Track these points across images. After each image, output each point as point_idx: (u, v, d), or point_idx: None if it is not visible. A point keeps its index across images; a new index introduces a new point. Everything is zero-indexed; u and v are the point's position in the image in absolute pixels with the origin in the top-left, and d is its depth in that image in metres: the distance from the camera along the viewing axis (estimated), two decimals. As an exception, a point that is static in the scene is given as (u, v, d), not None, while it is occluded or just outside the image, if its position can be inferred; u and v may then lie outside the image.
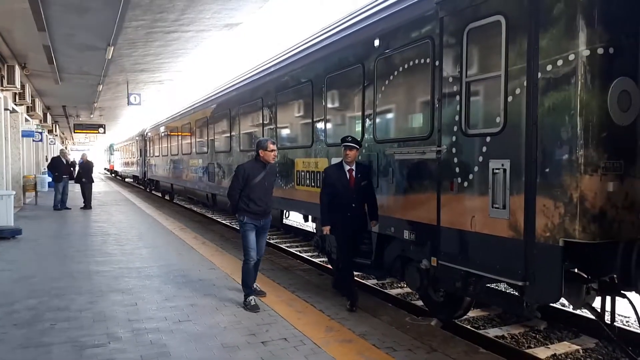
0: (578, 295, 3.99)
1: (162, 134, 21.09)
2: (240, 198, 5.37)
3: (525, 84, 3.94)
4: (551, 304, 5.61)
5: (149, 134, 25.05)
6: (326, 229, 5.47)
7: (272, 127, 9.13)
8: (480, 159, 4.30)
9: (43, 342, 4.24)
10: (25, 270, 6.94)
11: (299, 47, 8.48)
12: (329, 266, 8.05)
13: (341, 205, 5.34)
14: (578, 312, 5.74)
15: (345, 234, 5.45)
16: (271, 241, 11.34)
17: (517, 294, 4.38)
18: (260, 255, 5.57)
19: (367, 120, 6.10)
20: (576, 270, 4.03)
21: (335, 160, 6.79)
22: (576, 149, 3.57)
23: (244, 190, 5.35)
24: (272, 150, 5.41)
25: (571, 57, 3.62)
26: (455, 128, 4.60)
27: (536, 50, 3.85)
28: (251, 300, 5.30)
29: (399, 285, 7.61)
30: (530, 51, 3.90)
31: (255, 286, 5.59)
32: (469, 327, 5.69)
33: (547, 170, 3.76)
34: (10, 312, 5.06)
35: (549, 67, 3.76)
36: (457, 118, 4.58)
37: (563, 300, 5.08)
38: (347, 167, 5.38)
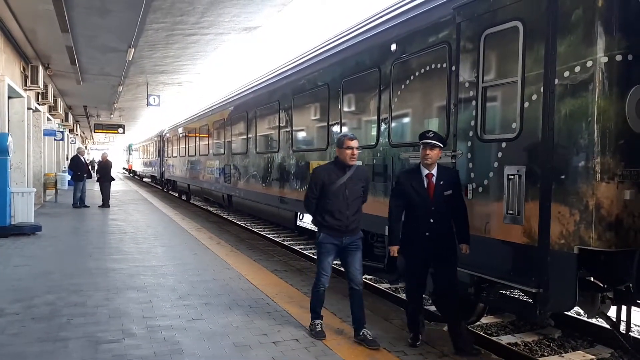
0: (593, 303, 3.96)
1: (180, 135, 21.34)
2: (317, 209, 4.41)
3: (542, 90, 3.93)
4: (565, 312, 5.55)
5: (167, 134, 25.37)
6: (394, 250, 4.28)
7: (288, 129, 9.20)
8: (496, 164, 4.29)
9: (60, 336, 4.33)
10: (44, 266, 7.09)
11: (315, 50, 8.54)
12: (342, 269, 8.05)
13: (416, 221, 4.16)
14: (593, 321, 5.67)
15: (418, 259, 4.23)
16: (285, 243, 11.40)
17: (530, 301, 4.35)
18: (356, 282, 4.38)
19: (383, 124, 6.12)
20: (591, 278, 4.00)
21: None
22: (593, 156, 3.55)
23: (321, 200, 4.35)
24: (349, 148, 4.23)
25: (589, 63, 3.60)
26: (470, 133, 4.60)
27: (553, 56, 3.84)
28: (317, 325, 4.50)
29: (412, 290, 7.57)
30: (547, 57, 3.89)
31: (365, 333, 4.32)
32: (481, 333, 5.66)
33: (563, 177, 3.74)
34: (29, 306, 5.17)
35: (567, 74, 3.75)
36: (472, 123, 4.57)
37: (578, 308, 5.04)
38: (425, 172, 4.16)
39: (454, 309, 4.31)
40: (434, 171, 4.18)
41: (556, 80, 3.82)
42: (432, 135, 4.13)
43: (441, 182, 4.14)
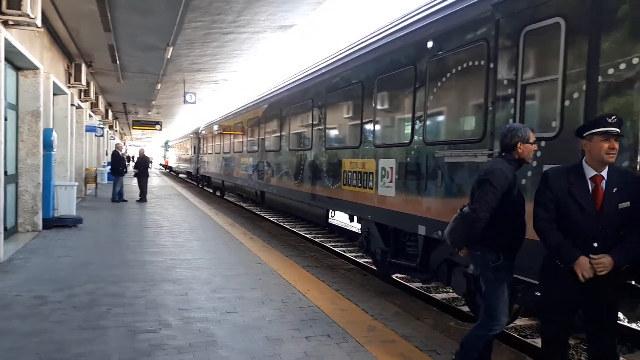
0: (634, 308, 3.83)
1: (216, 132, 21.69)
2: (490, 224, 3.33)
3: (584, 88, 3.82)
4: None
5: (203, 131, 25.83)
6: (584, 265, 2.87)
7: (321, 127, 9.22)
8: (534, 164, 4.20)
9: (100, 325, 4.48)
10: (85, 257, 7.34)
11: (350, 48, 8.53)
12: (373, 267, 8.05)
13: (572, 240, 2.98)
14: (634, 325, 5.48)
15: (565, 297, 3.06)
16: (316, 240, 11.44)
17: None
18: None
19: (417, 122, 6.06)
20: (632, 282, 3.86)
21: (384, 163, 6.77)
22: (636, 157, 3.43)
23: (498, 210, 3.32)
24: (535, 142, 3.51)
25: (635, 60, 3.48)
26: (508, 132, 4.51)
27: (597, 53, 3.73)
28: None
29: (444, 289, 7.51)
30: (590, 54, 3.78)
31: None
32: (515, 335, 5.56)
33: (605, 177, 3.62)
34: (70, 295, 5.37)
35: (611, 71, 3.63)
36: (510, 121, 4.48)
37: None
38: (591, 172, 2.99)
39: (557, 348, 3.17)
40: (604, 173, 2.98)
41: (599, 78, 3.71)
42: (615, 120, 2.91)
43: (614, 190, 2.93)
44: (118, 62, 14.01)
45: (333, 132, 8.93)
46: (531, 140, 3.43)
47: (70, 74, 13.53)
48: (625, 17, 3.57)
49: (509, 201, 3.35)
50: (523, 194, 3.55)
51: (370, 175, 7.11)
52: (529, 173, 4.24)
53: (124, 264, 6.99)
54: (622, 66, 3.56)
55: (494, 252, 3.38)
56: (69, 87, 13.49)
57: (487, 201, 3.33)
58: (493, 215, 3.33)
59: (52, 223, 9.96)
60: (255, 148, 14.45)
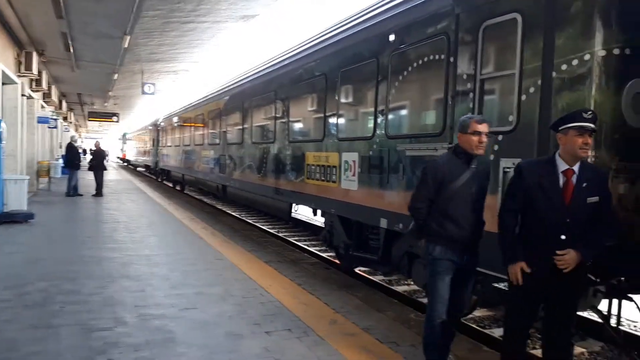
0: (584, 297, 3.97)
1: (175, 125, 21.23)
2: (431, 215, 3.43)
3: (539, 83, 3.92)
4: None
5: (162, 123, 25.23)
6: (516, 271, 3.02)
7: (284, 120, 9.15)
8: (492, 157, 4.28)
9: (53, 323, 4.31)
10: (37, 254, 7.05)
11: (313, 40, 8.48)
12: (336, 261, 8.07)
13: (538, 235, 3.03)
14: (584, 314, 5.71)
15: (531, 290, 3.05)
16: (279, 234, 11.39)
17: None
18: (459, 309, 3.64)
19: (380, 115, 6.09)
20: (584, 272, 4.00)
21: (347, 157, 6.77)
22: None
23: (437, 202, 3.38)
24: (476, 133, 3.30)
25: (587, 57, 3.59)
26: (467, 125, 4.58)
27: (551, 49, 3.83)
28: None
29: (405, 282, 7.61)
30: (545, 50, 3.88)
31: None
32: (474, 326, 5.69)
33: (559, 170, 3.72)
34: (21, 293, 5.15)
35: (564, 67, 3.74)
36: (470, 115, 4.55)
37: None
38: (563, 166, 3.00)
39: (517, 342, 3.22)
40: (576, 167, 2.99)
41: (553, 74, 3.81)
42: (591, 115, 2.92)
43: (584, 184, 2.96)
44: (72, 50, 13.48)
45: (296, 125, 8.87)
46: (470, 130, 3.31)
47: (20, 63, 12.93)
48: (578, 14, 3.68)
49: (444, 192, 3.34)
50: (473, 186, 3.40)
51: (334, 169, 7.11)
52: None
53: (78, 260, 6.75)
54: (575, 62, 3.66)
55: (431, 243, 3.43)
56: (19, 76, 12.90)
57: (418, 191, 3.50)
58: (431, 206, 3.42)
59: (2, 219, 9.55)
60: (217, 141, 14.22)
